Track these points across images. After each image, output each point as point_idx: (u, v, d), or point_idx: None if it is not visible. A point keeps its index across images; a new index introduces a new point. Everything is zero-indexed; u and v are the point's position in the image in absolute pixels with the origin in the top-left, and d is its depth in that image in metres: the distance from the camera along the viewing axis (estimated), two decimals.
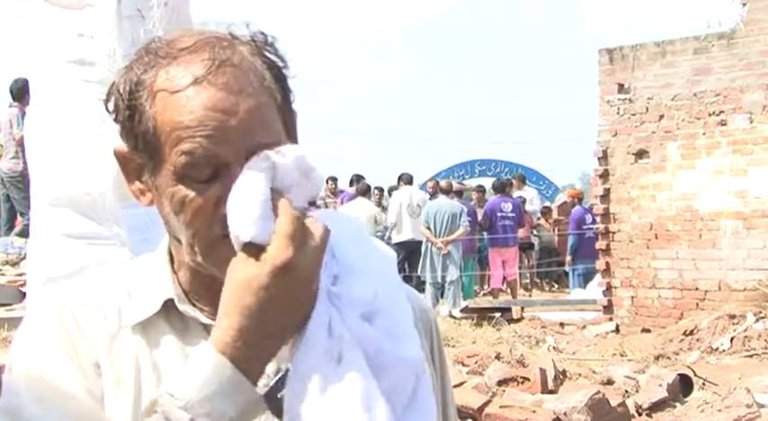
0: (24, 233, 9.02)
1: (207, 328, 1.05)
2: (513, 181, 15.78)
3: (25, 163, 9.42)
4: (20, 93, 9.45)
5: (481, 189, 16.11)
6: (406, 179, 13.38)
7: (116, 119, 1.06)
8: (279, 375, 0.98)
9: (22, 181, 9.58)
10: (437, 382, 1.16)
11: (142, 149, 1.05)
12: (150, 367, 1.06)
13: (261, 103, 1.03)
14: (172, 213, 1.03)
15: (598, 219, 9.55)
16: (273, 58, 1.07)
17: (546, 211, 16.64)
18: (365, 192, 13.20)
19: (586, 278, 13.35)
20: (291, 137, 1.08)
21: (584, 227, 13.26)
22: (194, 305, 1.09)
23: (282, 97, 1.07)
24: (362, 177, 14.09)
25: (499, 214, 13.24)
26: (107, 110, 1.07)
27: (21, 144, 9.24)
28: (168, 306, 1.08)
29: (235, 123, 1.00)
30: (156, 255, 1.14)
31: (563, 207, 16.18)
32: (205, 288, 1.08)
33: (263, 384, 0.98)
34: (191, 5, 3.95)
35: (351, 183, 14.37)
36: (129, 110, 1.04)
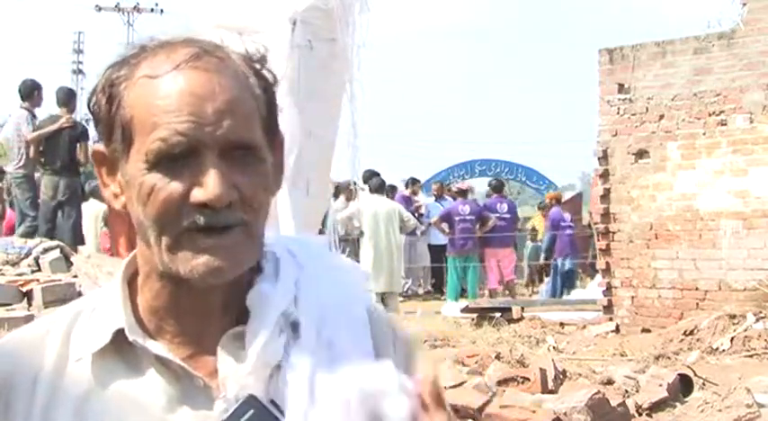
0: (27, 234, 9.00)
1: (160, 359, 1.01)
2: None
3: (29, 164, 9.42)
4: (27, 92, 9.43)
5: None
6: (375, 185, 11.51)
7: (97, 116, 1.04)
8: (240, 401, 0.98)
9: (25, 182, 9.53)
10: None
11: (119, 140, 1.01)
12: (95, 405, 1.01)
13: (241, 96, 1.01)
14: (140, 206, 0.99)
15: (598, 218, 9.54)
16: (264, 72, 1.06)
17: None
18: (380, 187, 11.73)
19: (567, 275, 13.40)
20: (276, 155, 1.06)
21: (563, 224, 13.50)
22: (149, 333, 1.03)
23: (268, 110, 1.05)
24: (377, 173, 12.27)
25: (495, 215, 13.34)
26: (89, 107, 1.05)
27: (28, 145, 9.21)
28: (120, 337, 1.02)
29: (211, 109, 0.97)
30: (114, 281, 1.07)
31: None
32: (172, 304, 1.04)
33: (223, 409, 0.98)
34: (354, 49, 3.97)
35: (365, 181, 11.91)
36: (109, 99, 1.01)
